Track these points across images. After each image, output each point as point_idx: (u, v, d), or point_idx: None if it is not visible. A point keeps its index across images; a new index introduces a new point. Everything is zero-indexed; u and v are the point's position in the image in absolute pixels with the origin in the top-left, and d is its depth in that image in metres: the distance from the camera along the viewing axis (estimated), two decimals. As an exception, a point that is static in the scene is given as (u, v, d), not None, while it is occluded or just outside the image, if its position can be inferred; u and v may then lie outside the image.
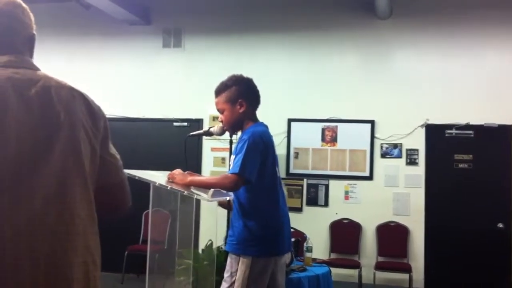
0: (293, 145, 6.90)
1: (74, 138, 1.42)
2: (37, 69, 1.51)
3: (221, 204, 4.73)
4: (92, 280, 1.41)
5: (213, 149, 7.01)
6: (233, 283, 2.77)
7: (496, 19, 6.44)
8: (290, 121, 6.91)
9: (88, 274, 1.40)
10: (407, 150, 6.57)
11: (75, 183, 1.40)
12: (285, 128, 6.89)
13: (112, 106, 6.88)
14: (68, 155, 1.40)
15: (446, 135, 6.49)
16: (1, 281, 1.25)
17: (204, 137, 6.44)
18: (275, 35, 7.11)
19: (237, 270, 2.78)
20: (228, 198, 2.97)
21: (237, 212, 2.89)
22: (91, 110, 1.51)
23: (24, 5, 1.53)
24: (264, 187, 2.86)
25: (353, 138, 6.73)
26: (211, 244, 3.81)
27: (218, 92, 2.97)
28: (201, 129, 3.81)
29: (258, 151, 2.79)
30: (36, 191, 1.33)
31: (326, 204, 6.76)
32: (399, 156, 6.58)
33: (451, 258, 6.34)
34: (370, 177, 6.64)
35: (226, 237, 4.20)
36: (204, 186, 2.89)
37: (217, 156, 7.03)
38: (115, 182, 1.57)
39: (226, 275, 2.84)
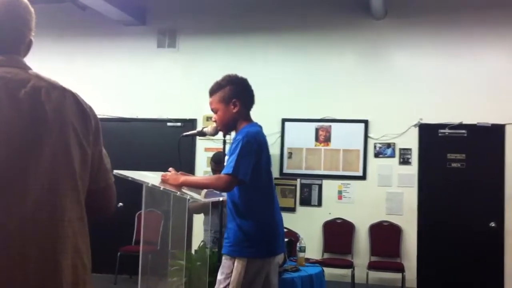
0: (286, 145, 6.90)
1: (64, 140, 1.41)
2: (29, 68, 1.48)
3: (195, 211, 4.73)
4: (81, 283, 1.40)
5: (206, 149, 6.99)
6: (228, 284, 2.73)
7: (490, 19, 6.46)
8: (284, 121, 6.91)
9: (78, 277, 1.39)
10: (400, 149, 6.58)
11: (65, 186, 1.39)
12: (279, 128, 6.89)
13: (106, 106, 6.89)
14: (59, 157, 1.39)
15: (439, 134, 6.51)
16: None
17: (197, 137, 6.49)
18: (269, 35, 7.11)
19: (232, 271, 2.74)
20: (221, 198, 2.97)
21: (230, 213, 2.85)
22: (82, 110, 1.49)
23: (26, 1, 1.51)
24: (259, 187, 2.83)
25: (346, 138, 6.73)
26: (204, 244, 3.81)
27: (212, 92, 2.94)
28: (195, 129, 3.79)
29: (252, 151, 2.76)
30: (28, 194, 1.32)
31: (319, 204, 6.77)
32: (392, 155, 6.60)
33: (444, 257, 6.36)
34: (363, 177, 6.65)
35: (214, 239, 4.19)
36: (197, 187, 2.88)
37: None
38: (105, 186, 1.56)
39: (221, 277, 2.79)
